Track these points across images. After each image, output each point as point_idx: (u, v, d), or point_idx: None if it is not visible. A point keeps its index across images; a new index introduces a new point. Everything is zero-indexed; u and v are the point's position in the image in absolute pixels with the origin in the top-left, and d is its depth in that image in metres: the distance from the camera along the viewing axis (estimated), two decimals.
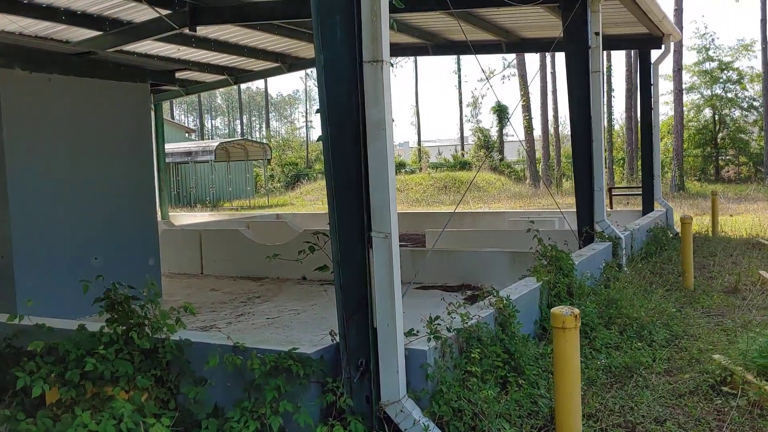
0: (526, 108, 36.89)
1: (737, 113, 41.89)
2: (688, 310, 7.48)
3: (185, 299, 9.25)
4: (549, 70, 38.56)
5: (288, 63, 17.44)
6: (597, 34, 9.28)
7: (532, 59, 39.05)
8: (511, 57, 40.10)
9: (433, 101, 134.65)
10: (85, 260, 8.35)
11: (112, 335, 4.68)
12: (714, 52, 41.20)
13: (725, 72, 41.15)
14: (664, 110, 48.80)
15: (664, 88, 41.82)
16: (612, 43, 14.73)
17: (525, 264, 9.11)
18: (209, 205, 33.80)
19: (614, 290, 6.92)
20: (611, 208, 16.69)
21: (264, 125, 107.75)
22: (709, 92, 41.05)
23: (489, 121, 50.05)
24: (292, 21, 13.90)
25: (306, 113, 76.00)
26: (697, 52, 41.53)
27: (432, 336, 4.39)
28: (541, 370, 5.11)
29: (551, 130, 39.15)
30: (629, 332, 6.17)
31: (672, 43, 14.42)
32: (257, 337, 7.05)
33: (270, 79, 71.51)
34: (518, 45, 15.34)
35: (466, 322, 4.77)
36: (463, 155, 51.53)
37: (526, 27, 14.12)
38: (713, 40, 42.63)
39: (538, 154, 40.08)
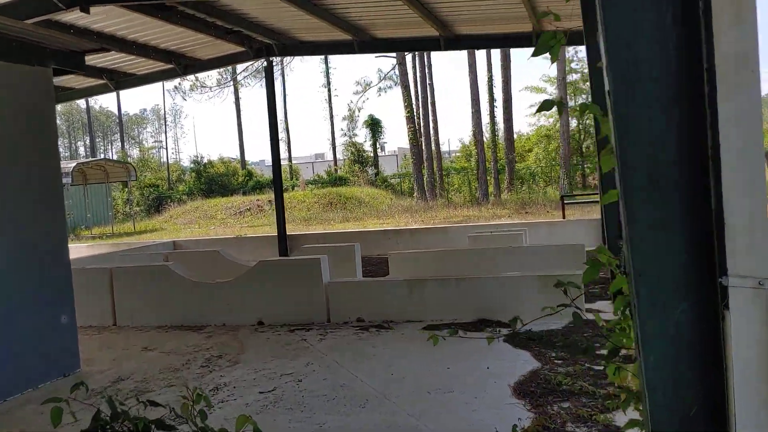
0: (410, 119, 35.75)
1: None
2: None
3: (113, 367, 6.67)
4: (428, 81, 37.79)
5: (183, 64, 14.80)
6: None
7: (416, 68, 38.03)
8: (387, 68, 39.05)
9: (301, 116, 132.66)
10: None
11: None
12: (577, 65, 42.41)
13: (587, 83, 42.43)
14: (533, 120, 49.99)
15: (538, 97, 42.63)
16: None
17: (556, 290, 7.37)
18: (78, 233, 29.65)
19: None
20: (564, 217, 15.57)
21: (110, 146, 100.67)
22: (572, 103, 42.24)
23: (363, 135, 48.71)
24: (198, 5, 11.51)
25: (165, 131, 71.16)
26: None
27: None
28: None
29: (433, 142, 38.29)
30: None
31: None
32: None
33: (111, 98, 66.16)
34: (454, 41, 13.75)
35: None
36: (336, 171, 49.85)
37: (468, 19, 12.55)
38: (576, 52, 43.76)
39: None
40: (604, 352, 5.89)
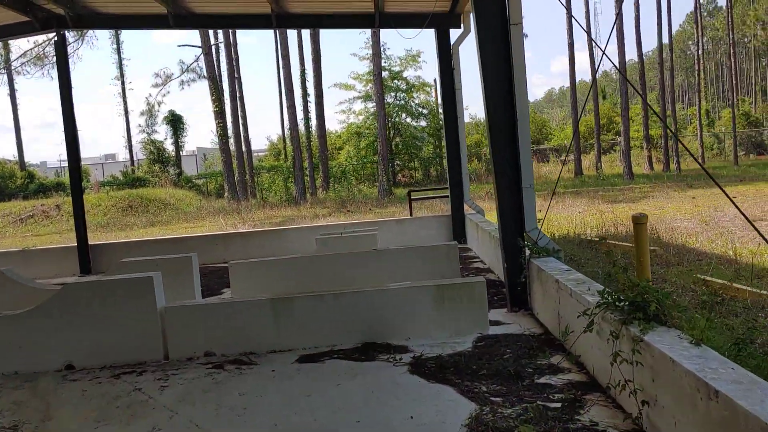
0: (219, 114, 33.30)
1: (409, 120, 43.93)
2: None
3: None
4: (236, 74, 35.57)
5: (40, 17, 11.79)
6: None
7: (221, 61, 35.61)
8: (189, 59, 36.24)
9: (88, 114, 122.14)
10: None
11: None
12: (386, 62, 42.48)
13: (395, 81, 42.75)
14: (343, 117, 49.41)
15: (347, 94, 42.05)
16: (401, 20, 12.50)
17: (454, 303, 6.16)
18: None
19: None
20: (411, 215, 14.48)
21: None
22: (390, 99, 42.26)
23: (164, 132, 45.07)
24: None
25: None
26: (370, 62, 42.50)
27: None
28: None
29: (243, 139, 36.10)
30: None
31: (472, 23, 12.66)
32: None
33: None
34: (287, 19, 12.14)
35: None
36: (133, 171, 45.81)
37: None
38: (385, 50, 43.77)
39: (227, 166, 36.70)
40: (545, 379, 4.65)
